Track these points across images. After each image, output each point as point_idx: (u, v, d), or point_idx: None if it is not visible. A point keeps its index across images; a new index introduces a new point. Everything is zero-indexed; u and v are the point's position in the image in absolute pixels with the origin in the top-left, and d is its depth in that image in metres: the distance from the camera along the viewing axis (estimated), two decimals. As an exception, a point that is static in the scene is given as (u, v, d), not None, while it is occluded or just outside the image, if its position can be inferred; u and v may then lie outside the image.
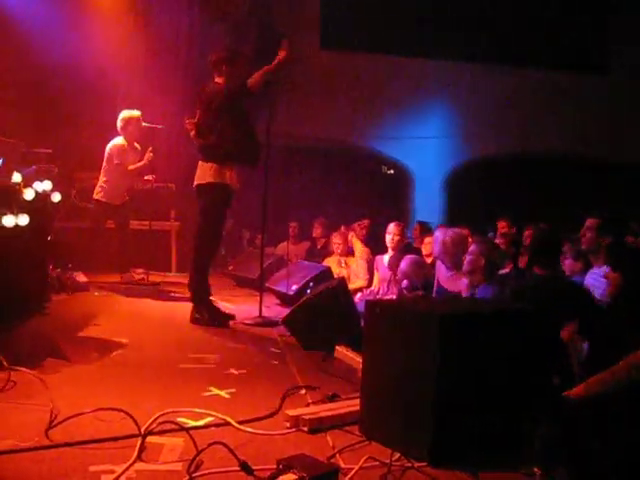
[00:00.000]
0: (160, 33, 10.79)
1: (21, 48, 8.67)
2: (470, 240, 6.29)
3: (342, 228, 9.32)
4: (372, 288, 7.67)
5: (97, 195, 8.11)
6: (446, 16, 13.38)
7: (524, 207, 11.90)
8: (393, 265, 7.22)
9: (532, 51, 13.73)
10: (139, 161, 8.16)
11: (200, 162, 6.16)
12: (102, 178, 8.11)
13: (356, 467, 2.77)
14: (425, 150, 13.93)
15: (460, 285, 5.79)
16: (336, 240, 8.58)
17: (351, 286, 7.27)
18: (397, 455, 2.89)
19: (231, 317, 6.16)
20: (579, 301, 4.38)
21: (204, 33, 10.52)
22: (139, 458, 2.78)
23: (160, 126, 8.41)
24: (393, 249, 7.49)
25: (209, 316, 6.00)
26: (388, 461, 2.82)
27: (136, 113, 8.15)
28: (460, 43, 13.50)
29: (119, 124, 8.09)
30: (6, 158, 5.27)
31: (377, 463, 2.82)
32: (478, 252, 5.28)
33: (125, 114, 8.14)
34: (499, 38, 13.60)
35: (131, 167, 8.08)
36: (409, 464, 2.84)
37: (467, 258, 5.36)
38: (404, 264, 6.76)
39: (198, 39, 10.62)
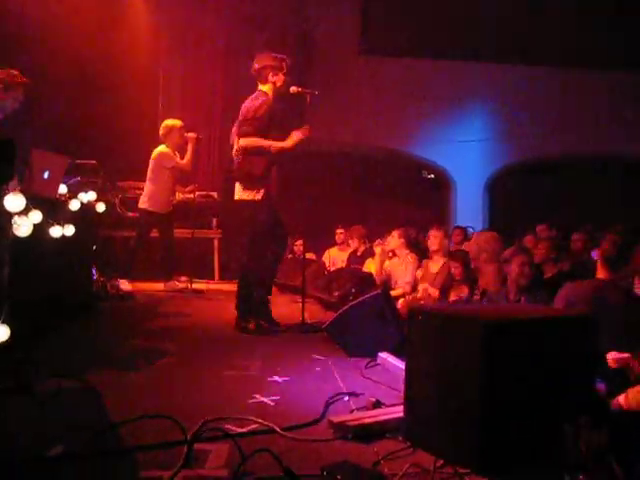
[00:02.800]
0: (200, 43, 10.94)
1: (64, 62, 8.83)
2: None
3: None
4: (415, 294, 7.64)
5: (143, 204, 8.21)
6: (488, 18, 13.25)
7: (568, 210, 11.77)
8: (441, 270, 7.22)
9: (578, 50, 13.50)
10: (179, 170, 8.26)
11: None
12: (148, 187, 8.22)
13: (400, 473, 2.77)
14: (466, 153, 13.82)
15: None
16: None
17: (394, 292, 7.26)
18: (441, 462, 2.88)
19: (275, 324, 6.20)
20: None
21: (244, 43, 10.61)
22: (186, 464, 2.82)
23: (201, 136, 8.50)
24: (436, 254, 7.48)
25: (254, 326, 6.00)
26: (432, 468, 2.81)
27: (178, 122, 8.25)
28: (502, 44, 13.38)
29: (161, 132, 8.19)
30: (52, 171, 5.38)
31: (420, 470, 2.82)
32: (523, 262, 5.28)
33: (168, 122, 8.24)
34: (543, 39, 13.41)
35: (181, 162, 8.19)
36: (453, 471, 2.83)
37: (515, 269, 5.35)
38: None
39: (238, 48, 10.72)
